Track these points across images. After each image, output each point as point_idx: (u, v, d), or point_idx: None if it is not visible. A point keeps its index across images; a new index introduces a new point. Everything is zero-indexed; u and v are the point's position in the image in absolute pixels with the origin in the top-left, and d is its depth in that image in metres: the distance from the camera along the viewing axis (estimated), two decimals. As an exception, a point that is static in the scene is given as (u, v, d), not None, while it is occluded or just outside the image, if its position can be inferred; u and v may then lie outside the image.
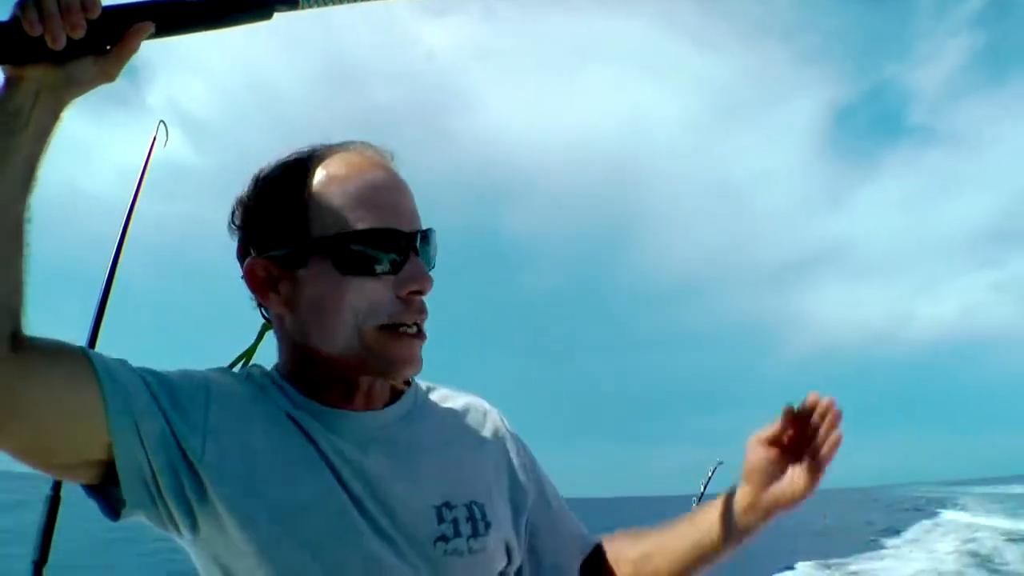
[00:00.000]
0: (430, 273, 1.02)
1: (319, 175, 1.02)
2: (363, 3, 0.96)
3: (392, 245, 0.99)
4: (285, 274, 1.02)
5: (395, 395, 1.12)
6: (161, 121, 2.65)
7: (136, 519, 0.95)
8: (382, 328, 0.99)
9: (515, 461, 1.19)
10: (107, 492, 0.93)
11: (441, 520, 1.03)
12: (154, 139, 2.63)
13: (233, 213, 1.08)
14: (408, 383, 1.14)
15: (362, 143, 1.07)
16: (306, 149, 1.06)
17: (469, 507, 1.06)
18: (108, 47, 0.87)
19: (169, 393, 0.95)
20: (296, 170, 1.03)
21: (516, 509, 1.15)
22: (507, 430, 1.22)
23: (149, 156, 2.59)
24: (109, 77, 0.88)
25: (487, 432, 1.18)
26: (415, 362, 1.02)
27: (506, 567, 1.10)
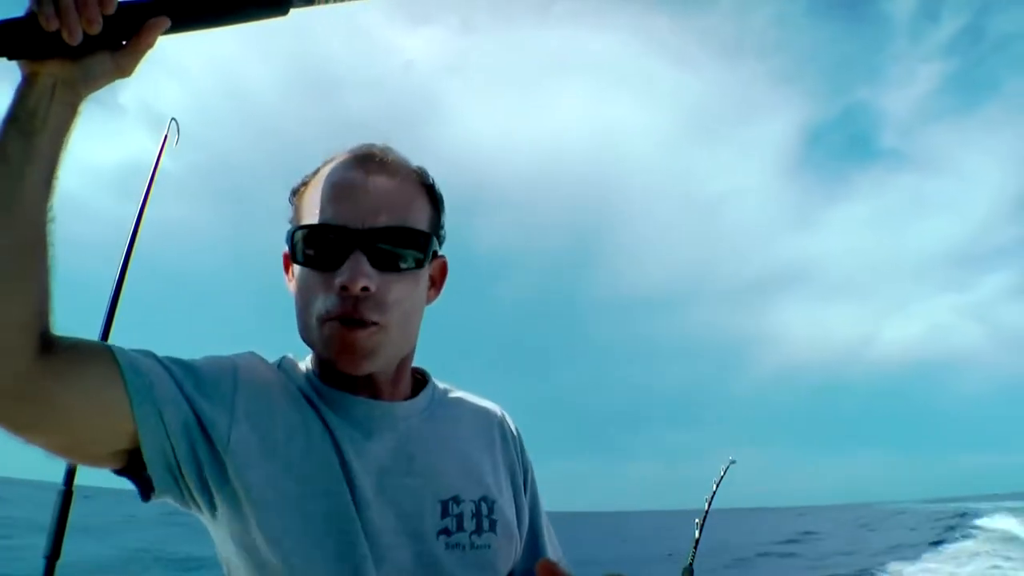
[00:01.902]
0: (383, 271, 0.99)
1: (319, 172, 1.07)
2: (377, -1, 0.96)
3: (334, 241, 0.99)
4: (291, 263, 1.07)
5: (416, 389, 1.14)
6: (173, 119, 2.65)
7: (165, 501, 0.99)
8: (321, 320, 1.00)
9: (520, 470, 1.21)
10: (138, 474, 0.95)
11: (446, 514, 1.05)
12: (165, 137, 2.63)
13: None
14: (425, 380, 1.16)
15: (369, 143, 1.09)
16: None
17: (478, 504, 1.08)
18: (124, 42, 0.87)
19: (195, 381, 0.97)
20: (312, 172, 1.08)
21: (518, 514, 1.16)
22: (518, 439, 1.23)
23: (161, 154, 2.59)
24: (125, 72, 0.89)
25: (500, 436, 1.20)
26: (354, 352, 1.00)
27: (509, 564, 1.11)
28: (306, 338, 1.05)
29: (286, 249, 1.07)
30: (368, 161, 1.05)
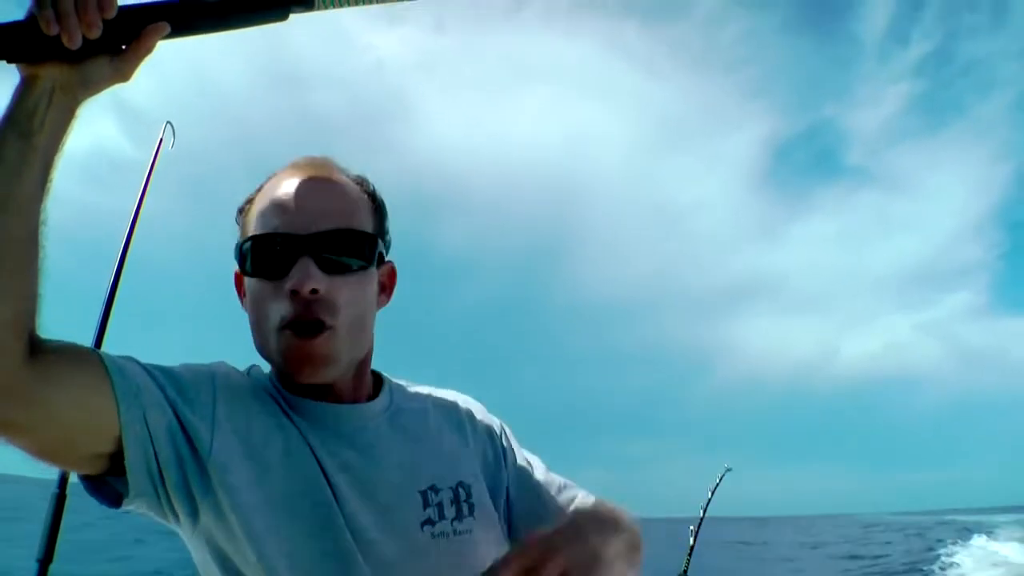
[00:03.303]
0: (331, 274, 1.00)
1: (262, 189, 1.09)
2: (377, 4, 0.96)
3: (281, 249, 1.01)
4: (243, 279, 1.08)
5: (377, 389, 1.15)
6: (168, 123, 2.64)
7: (136, 508, 0.98)
8: (277, 330, 1.01)
9: (493, 444, 1.21)
10: (106, 482, 0.96)
11: (427, 504, 1.06)
12: (160, 140, 2.62)
13: None
14: (380, 379, 1.17)
15: (309, 156, 1.11)
16: None
17: (455, 489, 1.10)
18: (123, 47, 0.87)
19: (177, 387, 0.98)
20: (256, 189, 1.11)
21: (496, 493, 1.17)
22: (484, 415, 1.25)
23: (156, 156, 2.58)
24: (124, 77, 0.89)
25: (468, 418, 1.22)
26: (312, 361, 1.01)
27: (495, 546, 1.11)
28: (264, 352, 1.06)
29: (236, 268, 1.09)
30: (309, 171, 1.07)
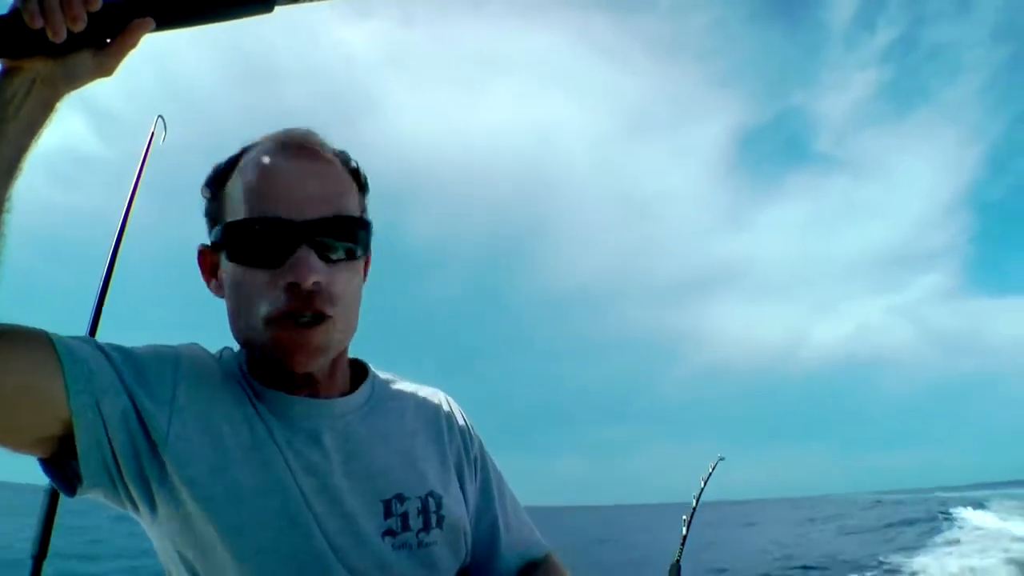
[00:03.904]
0: (329, 263, 0.97)
1: (242, 162, 1.02)
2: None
3: (275, 235, 0.95)
4: (217, 260, 1.03)
5: (356, 382, 1.11)
6: (160, 116, 2.62)
7: (93, 497, 0.94)
8: (269, 320, 0.96)
9: (467, 455, 1.18)
10: (63, 466, 0.92)
11: (389, 514, 1.02)
12: (152, 134, 2.61)
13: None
14: (365, 371, 1.14)
15: (291, 129, 1.05)
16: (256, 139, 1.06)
17: (424, 499, 1.05)
18: (107, 41, 0.86)
19: (135, 370, 0.94)
20: (232, 158, 1.05)
21: (466, 503, 1.14)
22: (464, 423, 1.21)
23: (148, 150, 2.57)
24: (107, 72, 0.87)
25: (445, 425, 1.17)
26: (308, 351, 0.98)
27: (460, 560, 1.09)
28: (246, 340, 1.02)
29: (202, 245, 1.04)
30: (294, 148, 1.01)
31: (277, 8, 0.90)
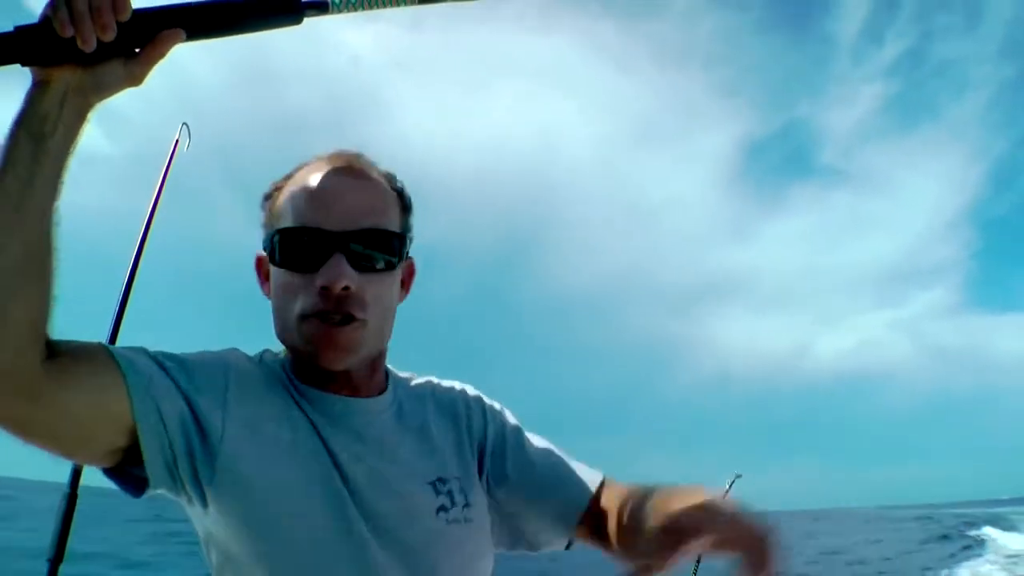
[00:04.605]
0: (362, 272, 1.02)
1: (293, 177, 1.11)
2: (391, 8, 0.96)
3: (313, 243, 1.02)
4: (268, 266, 1.10)
5: (385, 383, 1.17)
6: (184, 124, 2.64)
7: (158, 493, 1.00)
8: (302, 318, 1.03)
9: (489, 435, 1.22)
10: (126, 471, 0.98)
11: (438, 492, 1.10)
12: (176, 141, 2.63)
13: None
14: (385, 374, 1.18)
15: (341, 150, 1.12)
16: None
17: (461, 481, 1.14)
18: (137, 50, 0.87)
19: (188, 375, 0.99)
20: (287, 174, 1.12)
21: (489, 484, 1.19)
22: (482, 402, 1.25)
23: (172, 157, 2.59)
24: (136, 81, 0.89)
25: (465, 411, 1.23)
26: (337, 346, 1.03)
27: (487, 539, 1.16)
28: (284, 338, 1.09)
29: (260, 252, 1.12)
30: (342, 167, 1.09)
31: (306, 20, 0.91)
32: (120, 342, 2.26)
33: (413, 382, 1.24)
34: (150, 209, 2.50)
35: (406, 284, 1.17)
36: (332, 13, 0.92)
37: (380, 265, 1.06)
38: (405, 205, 1.14)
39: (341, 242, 1.02)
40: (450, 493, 1.11)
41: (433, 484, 1.11)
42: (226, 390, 1.02)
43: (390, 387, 1.17)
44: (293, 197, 1.07)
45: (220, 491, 0.97)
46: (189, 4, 0.88)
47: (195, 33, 0.88)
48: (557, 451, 1.23)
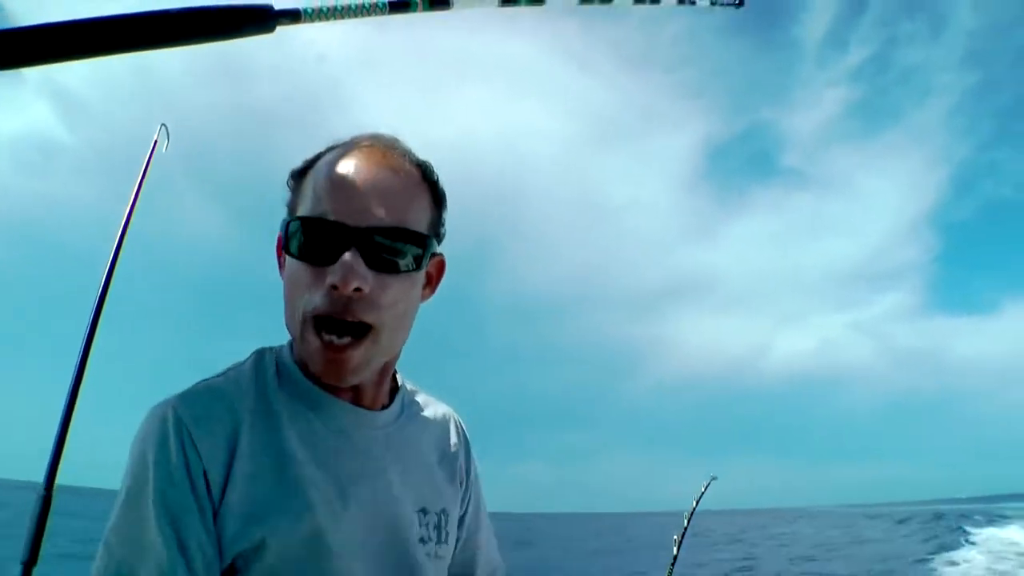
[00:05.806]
0: (378, 271, 0.97)
1: (322, 160, 1.03)
2: (365, 17, 0.97)
3: (329, 237, 0.95)
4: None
5: (392, 390, 1.14)
6: (163, 125, 2.63)
7: None
8: (306, 318, 0.97)
9: (467, 477, 1.23)
10: None
11: (420, 523, 1.08)
12: (155, 142, 2.62)
13: None
14: (395, 382, 1.16)
15: (375, 133, 1.06)
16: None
17: (439, 515, 1.11)
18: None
19: (194, 494, 0.92)
20: (317, 154, 1.05)
21: (460, 523, 1.20)
22: (467, 444, 1.25)
23: (150, 159, 2.58)
24: None
25: (454, 445, 1.22)
26: (341, 372, 0.98)
27: None
28: (291, 331, 1.02)
29: (280, 233, 1.03)
30: (371, 154, 1.01)
31: (278, 28, 0.92)
32: (97, 339, 2.25)
33: (416, 396, 1.19)
34: (127, 211, 2.49)
35: (433, 282, 1.10)
36: (304, 22, 0.93)
37: (400, 266, 0.98)
38: (437, 199, 1.07)
39: (359, 238, 0.95)
40: (429, 526, 1.08)
41: (419, 513, 1.08)
42: (210, 469, 0.93)
43: (396, 401, 1.13)
44: (316, 183, 0.99)
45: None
46: (167, 12, 0.89)
47: (166, 40, 0.89)
48: (487, 520, 1.26)
